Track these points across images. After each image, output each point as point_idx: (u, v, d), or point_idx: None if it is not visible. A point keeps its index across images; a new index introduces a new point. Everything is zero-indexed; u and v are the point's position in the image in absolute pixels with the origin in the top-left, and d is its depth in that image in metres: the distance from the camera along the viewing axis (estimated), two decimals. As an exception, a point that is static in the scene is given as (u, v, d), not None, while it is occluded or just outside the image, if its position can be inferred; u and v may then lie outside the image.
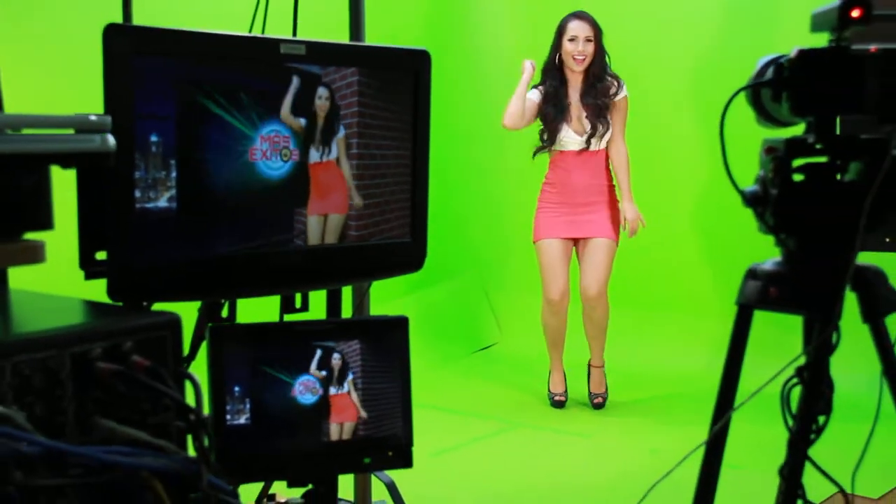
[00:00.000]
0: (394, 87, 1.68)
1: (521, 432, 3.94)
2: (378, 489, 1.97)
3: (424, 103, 1.72)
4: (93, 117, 1.06)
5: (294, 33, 1.86)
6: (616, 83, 4.02)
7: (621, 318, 4.36)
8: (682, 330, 4.86)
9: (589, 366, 4.21)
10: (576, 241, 4.13)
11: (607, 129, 4.01)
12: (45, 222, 1.04)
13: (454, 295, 5.70)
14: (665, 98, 4.77)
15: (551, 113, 3.99)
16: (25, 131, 1.03)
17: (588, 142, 4.00)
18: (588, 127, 3.99)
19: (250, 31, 1.77)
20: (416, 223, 1.73)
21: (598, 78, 3.98)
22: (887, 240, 2.32)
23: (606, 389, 4.18)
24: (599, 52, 3.97)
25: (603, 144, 4.03)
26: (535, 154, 4.13)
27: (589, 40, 3.94)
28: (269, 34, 1.59)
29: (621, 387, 4.27)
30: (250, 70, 1.51)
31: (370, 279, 1.83)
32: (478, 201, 5.74)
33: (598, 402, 4.14)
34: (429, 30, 5.45)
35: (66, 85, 2.96)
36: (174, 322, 1.06)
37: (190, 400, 1.06)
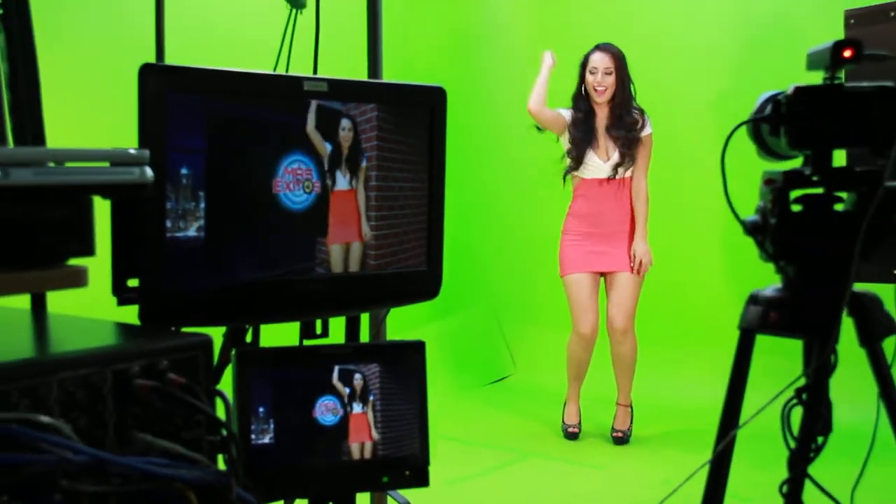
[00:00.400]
0: (411, 122, 1.76)
1: (533, 463, 3.97)
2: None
3: (440, 137, 1.80)
4: (132, 151, 1.14)
5: (315, 70, 1.94)
6: (641, 119, 4.06)
7: (649, 353, 4.37)
8: (709, 364, 4.87)
9: (616, 404, 4.20)
10: (602, 274, 4.14)
11: (633, 162, 4.05)
12: (88, 249, 1.11)
13: (469, 327, 5.75)
14: (688, 132, 4.80)
15: (578, 136, 4.04)
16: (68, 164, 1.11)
17: (615, 170, 4.04)
18: (615, 156, 4.03)
19: (275, 68, 1.86)
20: (431, 253, 1.80)
21: (625, 110, 4.02)
22: (895, 272, 2.37)
23: (630, 427, 4.17)
24: (621, 83, 4.02)
25: (627, 174, 4.06)
26: (564, 177, 4.15)
27: (608, 73, 4.00)
28: (293, 72, 1.67)
29: (643, 421, 4.27)
30: (275, 106, 1.59)
31: (388, 306, 1.89)
32: (492, 235, 5.80)
33: (617, 437, 4.13)
34: (443, 65, 5.55)
35: (100, 121, 3.09)
36: (206, 343, 1.12)
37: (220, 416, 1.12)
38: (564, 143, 4.14)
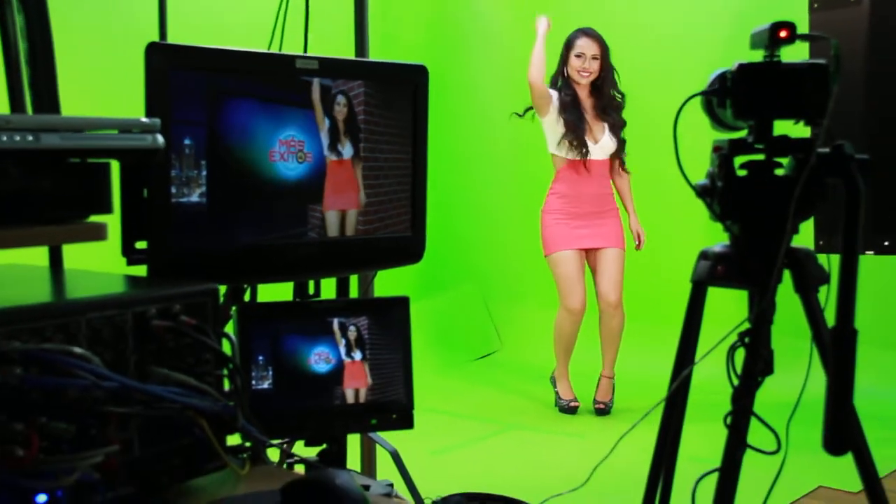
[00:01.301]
0: (395, 98, 1.89)
1: (518, 434, 4.08)
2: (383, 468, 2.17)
3: (423, 112, 1.93)
4: (145, 120, 1.27)
5: (304, 49, 2.07)
6: (621, 100, 4.18)
7: (633, 328, 4.49)
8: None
9: (600, 376, 4.31)
10: (587, 251, 4.25)
11: (623, 144, 4.16)
12: (107, 207, 1.24)
13: (455, 305, 5.88)
14: (670, 116, 4.92)
15: (572, 121, 4.11)
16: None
17: (607, 153, 4.14)
18: (604, 139, 4.13)
19: (269, 47, 1.99)
20: (415, 219, 1.94)
21: (608, 94, 4.13)
22: (886, 243, 2.53)
23: (612, 399, 4.28)
24: (605, 68, 4.13)
25: (605, 155, 4.18)
26: (583, 161, 4.18)
27: (595, 58, 4.10)
28: (286, 50, 1.81)
29: (626, 395, 4.38)
30: (270, 82, 1.72)
31: (375, 268, 2.03)
32: (477, 214, 5.91)
33: (600, 408, 4.25)
34: (427, 45, 5.65)
35: (108, 95, 3.23)
36: (214, 291, 1.26)
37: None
38: (547, 122, 4.22)
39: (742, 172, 1.42)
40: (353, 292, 2.04)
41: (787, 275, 1.39)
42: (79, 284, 1.30)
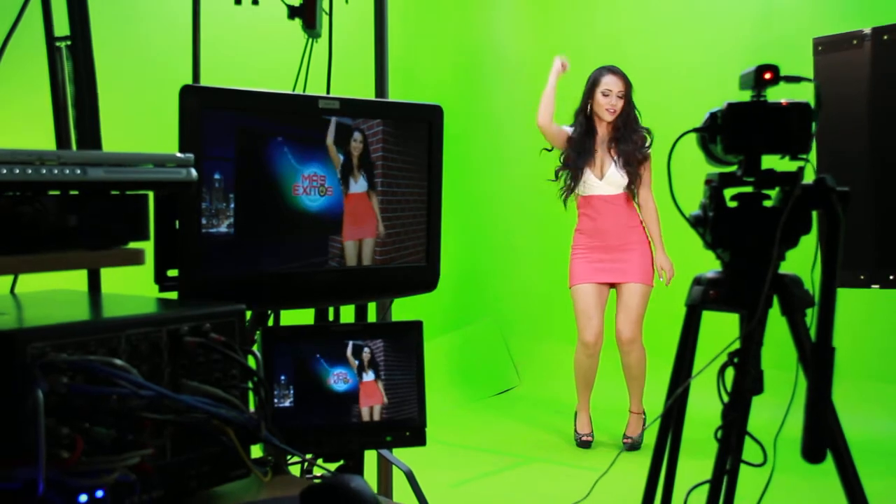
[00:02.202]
0: (412, 135, 2.01)
1: (538, 466, 4.11)
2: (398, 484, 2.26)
3: (438, 148, 2.05)
4: (180, 155, 1.40)
5: (328, 90, 2.21)
6: (649, 137, 4.26)
7: (661, 363, 4.54)
8: (703, 382, 5.05)
9: (629, 412, 4.33)
10: (612, 285, 4.29)
11: (635, 177, 4.22)
12: (145, 234, 1.36)
13: (475, 340, 5.91)
14: (686, 152, 5.05)
15: (572, 156, 4.22)
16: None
17: (616, 187, 4.21)
18: (611, 172, 4.20)
19: (294, 89, 2.12)
20: (430, 250, 2.05)
21: (629, 129, 4.21)
22: (862, 277, 2.61)
23: (641, 434, 4.28)
24: (627, 105, 4.22)
25: (618, 189, 4.22)
26: (564, 199, 4.32)
27: (620, 96, 4.21)
28: (310, 92, 1.94)
29: (654, 429, 4.40)
30: (294, 122, 1.85)
31: (392, 296, 2.14)
32: (497, 251, 5.97)
33: (627, 443, 4.25)
34: (449, 85, 5.77)
35: (143, 133, 3.42)
36: (241, 311, 1.38)
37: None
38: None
39: (732, 204, 1.52)
40: (372, 320, 2.14)
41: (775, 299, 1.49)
42: (118, 305, 1.41)
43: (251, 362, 1.36)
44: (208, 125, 1.71)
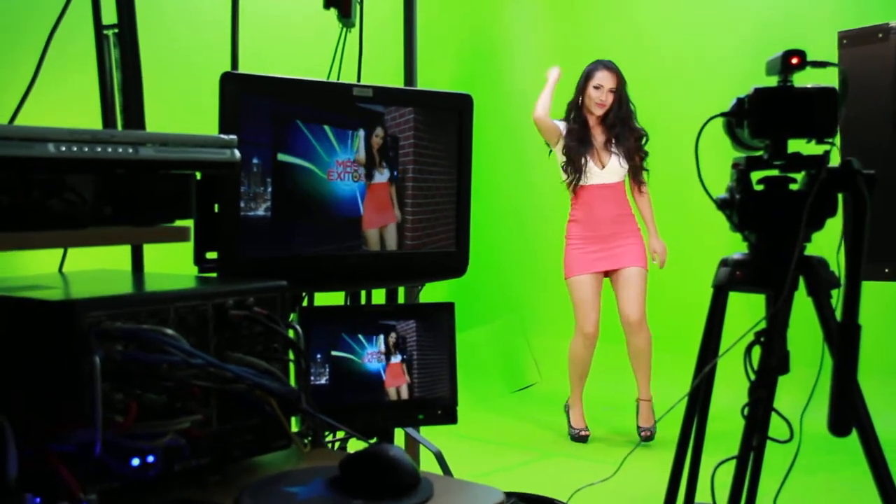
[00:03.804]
0: (442, 124, 2.06)
1: (555, 461, 4.11)
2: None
3: (467, 137, 2.10)
4: (224, 137, 1.45)
5: (358, 78, 2.26)
6: (646, 135, 4.29)
7: (665, 352, 4.51)
8: (726, 365, 5.05)
9: (637, 400, 4.31)
10: (607, 273, 4.32)
11: (636, 170, 4.26)
12: (189, 213, 1.42)
13: (494, 337, 5.88)
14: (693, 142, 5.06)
15: (574, 146, 4.24)
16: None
17: (614, 176, 4.25)
18: (611, 162, 4.24)
19: (328, 77, 2.17)
20: (459, 235, 2.09)
21: (626, 124, 4.24)
22: (886, 270, 2.63)
23: (655, 423, 4.26)
24: (618, 100, 4.23)
25: (617, 178, 4.27)
26: (573, 188, 4.33)
27: (612, 91, 4.24)
28: (344, 80, 1.99)
29: (665, 422, 4.34)
30: (329, 108, 1.89)
31: (422, 281, 2.19)
32: (517, 247, 5.97)
33: (646, 436, 4.22)
34: (470, 79, 5.81)
35: (183, 118, 3.51)
36: (283, 287, 1.43)
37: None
38: (558, 153, 4.35)
39: (759, 187, 1.56)
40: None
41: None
42: (163, 281, 1.47)
43: (291, 335, 1.41)
44: (247, 111, 1.76)
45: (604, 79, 4.27)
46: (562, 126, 4.34)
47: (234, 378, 1.26)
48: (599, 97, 4.25)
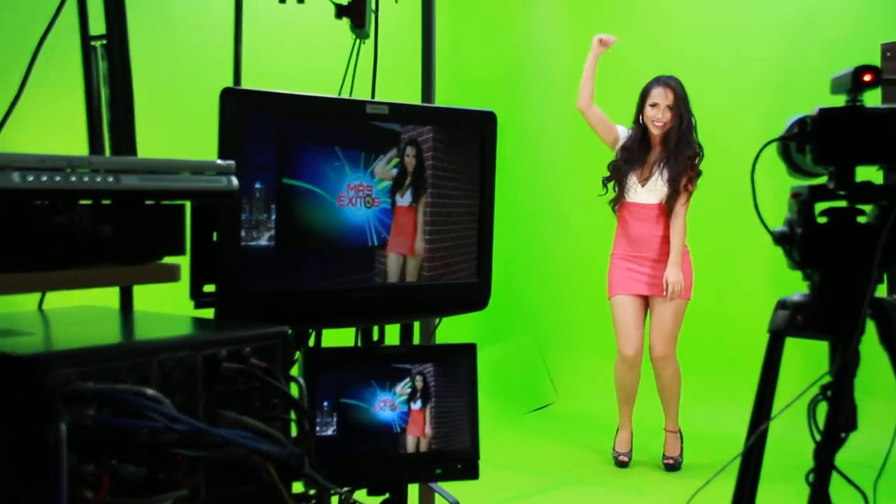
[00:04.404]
0: (463, 144, 1.89)
1: (576, 488, 3.97)
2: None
3: (490, 158, 1.93)
4: (220, 162, 1.28)
5: (372, 94, 2.09)
6: (700, 153, 4.10)
7: (696, 379, 4.36)
8: (746, 394, 4.86)
9: (664, 431, 4.18)
10: (645, 298, 4.15)
11: (675, 192, 4.05)
12: (181, 249, 1.25)
13: (511, 355, 5.73)
14: (732, 159, 4.87)
15: (621, 161, 4.09)
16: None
17: (655, 197, 4.09)
18: (656, 184, 4.07)
19: (339, 92, 2.01)
20: (481, 265, 1.92)
21: (683, 142, 4.06)
22: None
23: (681, 454, 4.13)
24: (678, 117, 4.05)
25: (656, 199, 4.08)
26: (613, 208, 4.19)
27: (669, 108, 4.05)
28: (355, 95, 1.82)
29: (694, 450, 4.22)
30: (340, 127, 1.73)
31: (440, 315, 2.02)
32: (534, 263, 5.82)
33: (668, 464, 4.10)
34: (488, 92, 5.67)
35: (180, 139, 3.31)
36: (283, 334, 1.26)
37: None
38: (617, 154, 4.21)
39: (822, 219, 1.38)
40: (416, 340, 2.02)
41: (870, 326, 1.34)
42: (150, 326, 1.30)
43: (294, 390, 1.24)
44: (250, 131, 1.61)
45: (658, 96, 4.10)
46: (621, 132, 4.19)
47: (226, 443, 1.10)
48: (656, 116, 4.08)
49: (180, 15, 4.01)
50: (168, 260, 1.26)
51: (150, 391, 1.04)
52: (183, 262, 1.34)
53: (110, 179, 1.13)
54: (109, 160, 1.13)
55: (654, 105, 4.09)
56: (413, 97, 2.31)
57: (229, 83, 1.85)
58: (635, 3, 5.57)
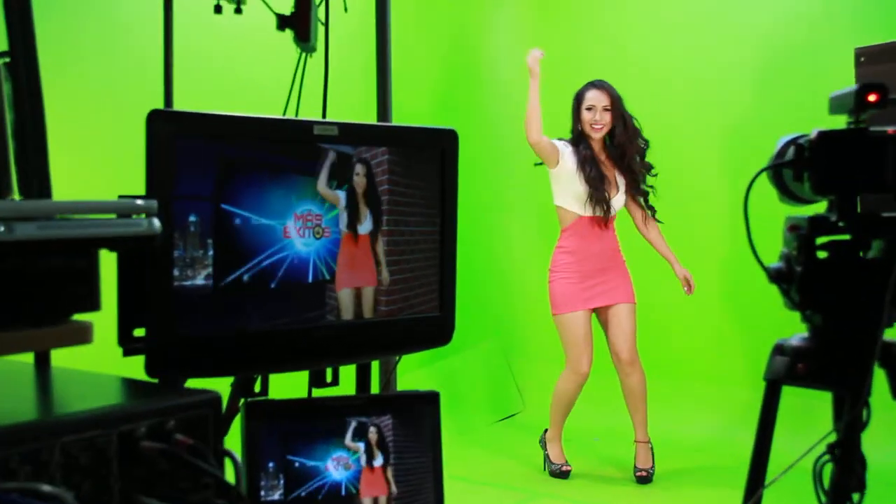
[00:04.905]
0: (422, 165, 1.73)
1: (541, 501, 3.88)
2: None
3: (452, 180, 1.77)
4: (139, 202, 1.11)
5: (323, 114, 1.92)
6: (646, 147, 4.04)
7: (659, 387, 4.31)
8: (710, 399, 4.80)
9: (634, 442, 4.10)
10: (594, 309, 4.10)
11: (639, 198, 4.02)
12: (93, 304, 1.07)
13: (476, 364, 5.62)
14: (693, 164, 4.80)
15: (595, 178, 3.96)
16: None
17: (640, 205, 4.04)
18: (619, 193, 4.00)
19: (284, 112, 1.83)
20: (444, 297, 1.76)
21: (633, 147, 3.99)
22: None
23: (653, 465, 4.06)
24: (621, 120, 3.98)
25: (617, 209, 4.03)
26: (606, 215, 4.05)
27: (606, 109, 3.97)
28: (303, 116, 1.65)
29: (661, 458, 4.14)
30: (286, 151, 1.56)
31: (400, 353, 1.85)
32: (499, 270, 5.73)
33: (641, 476, 4.02)
34: (440, 106, 5.52)
35: (108, 169, 3.04)
36: (215, 400, 1.09)
37: (230, 476, 1.08)
38: (557, 176, 4.06)
39: (823, 254, 1.24)
40: (375, 378, 1.86)
41: (880, 375, 1.20)
42: (58, 393, 1.12)
43: (229, 466, 1.07)
44: (182, 158, 1.44)
45: (594, 98, 4.00)
46: (560, 146, 4.04)
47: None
48: (593, 118, 3.97)
49: (100, 26, 3.67)
50: (80, 317, 1.08)
51: (47, 487, 0.87)
52: (102, 310, 1.16)
53: (1, 229, 0.95)
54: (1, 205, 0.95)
55: (590, 108, 3.99)
56: (362, 117, 2.12)
57: (159, 104, 1.67)
58: (591, 6, 5.45)
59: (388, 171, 1.67)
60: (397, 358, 2.00)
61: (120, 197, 1.42)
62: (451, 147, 1.76)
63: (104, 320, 1.41)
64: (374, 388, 1.85)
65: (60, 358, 1.43)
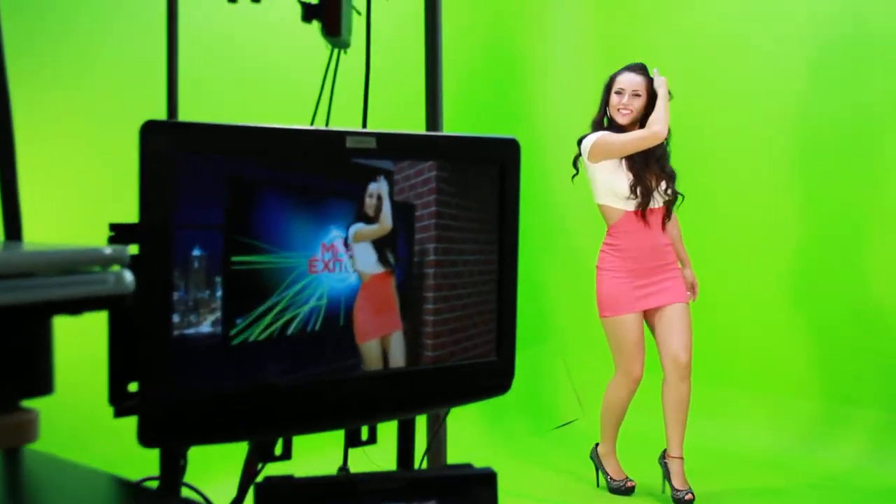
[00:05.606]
0: (477, 182, 1.45)
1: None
2: None
3: (513, 199, 1.48)
4: (106, 251, 0.84)
5: (364, 123, 1.64)
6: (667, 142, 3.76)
7: (703, 396, 4.09)
8: (772, 412, 4.53)
9: (666, 457, 3.82)
10: (645, 310, 3.84)
11: (675, 194, 3.76)
12: (44, 387, 0.81)
13: (533, 368, 5.35)
14: (752, 157, 4.59)
15: (638, 167, 3.69)
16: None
17: (668, 203, 3.77)
18: (662, 186, 3.73)
19: (312, 121, 1.56)
20: (502, 339, 1.48)
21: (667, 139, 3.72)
22: None
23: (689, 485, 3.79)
24: (650, 106, 3.68)
25: (661, 203, 3.76)
26: (643, 212, 3.80)
27: (637, 94, 3.68)
28: (335, 125, 1.37)
29: (701, 474, 3.91)
30: (312, 168, 1.29)
31: (447, 406, 1.58)
32: (559, 271, 5.51)
33: (689, 499, 3.72)
34: (504, 115, 5.27)
35: (90, 194, 2.67)
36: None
37: None
38: (599, 171, 3.78)
39: None
40: (421, 432, 1.58)
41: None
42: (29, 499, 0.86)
43: None
44: (184, 178, 1.18)
45: (625, 82, 3.71)
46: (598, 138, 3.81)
47: None
48: (621, 102, 3.67)
49: (91, 25, 3.21)
50: (28, 403, 0.82)
51: None
52: (96, 359, 0.90)
53: None
54: None
55: (619, 92, 3.71)
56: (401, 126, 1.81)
57: (162, 114, 1.40)
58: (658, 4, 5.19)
59: (437, 190, 1.39)
60: (445, 412, 1.72)
61: (110, 226, 1.18)
62: (512, 160, 1.47)
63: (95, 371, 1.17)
64: (420, 443, 1.57)
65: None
